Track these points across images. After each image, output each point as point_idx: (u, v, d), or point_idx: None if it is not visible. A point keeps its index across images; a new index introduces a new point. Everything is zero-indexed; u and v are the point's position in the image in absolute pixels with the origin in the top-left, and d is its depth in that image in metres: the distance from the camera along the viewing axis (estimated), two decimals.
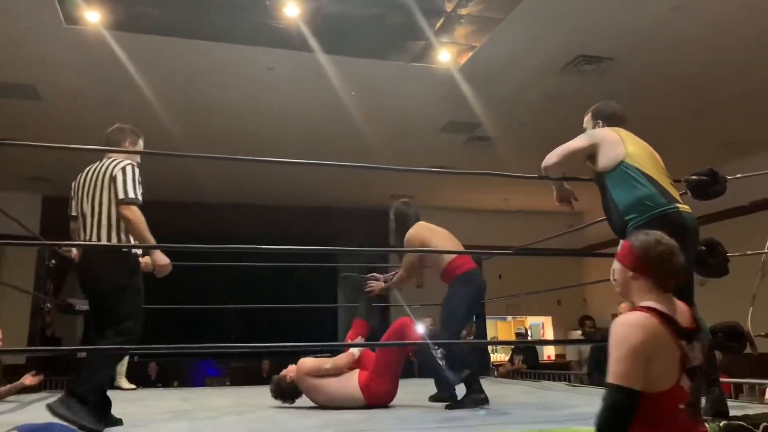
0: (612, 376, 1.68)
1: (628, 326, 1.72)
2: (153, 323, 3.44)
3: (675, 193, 2.75)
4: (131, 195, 2.96)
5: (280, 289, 9.25)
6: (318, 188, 9.78)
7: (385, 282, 4.37)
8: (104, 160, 3.17)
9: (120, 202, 2.95)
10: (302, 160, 3.50)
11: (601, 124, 3.04)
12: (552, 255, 10.96)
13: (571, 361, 10.74)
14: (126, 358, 6.30)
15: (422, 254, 4.08)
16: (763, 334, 3.48)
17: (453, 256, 3.96)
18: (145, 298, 3.11)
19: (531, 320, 12.31)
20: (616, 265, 1.91)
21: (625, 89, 6.47)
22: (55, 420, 2.55)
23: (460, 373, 3.58)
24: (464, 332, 4.72)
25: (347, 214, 10.82)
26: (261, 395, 4.22)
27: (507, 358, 9.84)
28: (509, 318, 12.21)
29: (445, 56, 5.97)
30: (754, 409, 2.97)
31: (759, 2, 5.03)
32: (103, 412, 2.97)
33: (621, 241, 2.98)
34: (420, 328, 4.22)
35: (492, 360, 9.24)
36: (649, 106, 6.78)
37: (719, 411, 2.55)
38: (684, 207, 2.69)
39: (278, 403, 3.89)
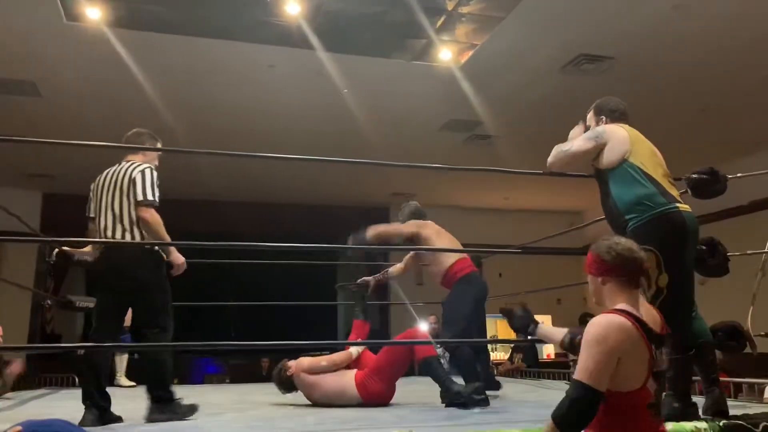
0: (581, 372, 1.73)
1: (602, 327, 1.76)
2: None
3: (675, 193, 2.75)
4: (149, 197, 3.08)
5: (280, 286, 9.26)
6: (318, 186, 9.79)
7: (376, 280, 4.44)
8: (123, 163, 3.25)
9: (138, 204, 3.06)
10: (302, 156, 3.50)
11: (604, 120, 3.02)
12: (552, 254, 10.95)
13: (571, 359, 10.74)
14: (126, 356, 6.31)
15: (420, 251, 4.10)
16: (762, 333, 3.49)
17: (453, 261, 3.98)
18: None
19: None
20: (588, 278, 1.96)
21: (626, 88, 6.46)
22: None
23: (472, 386, 3.54)
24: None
25: (347, 212, 10.81)
26: (261, 393, 4.23)
27: (507, 356, 9.85)
28: None
29: (446, 54, 5.97)
30: (753, 408, 2.97)
31: (760, 1, 5.03)
32: (102, 409, 2.98)
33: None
34: (424, 327, 4.24)
35: (491, 359, 9.24)
36: (649, 105, 6.77)
37: (719, 410, 2.56)
38: (684, 207, 2.69)
39: (277, 400, 3.90)
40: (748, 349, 3.02)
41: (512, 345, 10.20)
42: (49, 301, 5.50)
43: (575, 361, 1.91)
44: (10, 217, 4.16)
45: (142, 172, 3.13)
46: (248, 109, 7.08)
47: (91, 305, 5.28)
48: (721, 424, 2.43)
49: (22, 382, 5.80)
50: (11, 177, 8.98)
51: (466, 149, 8.32)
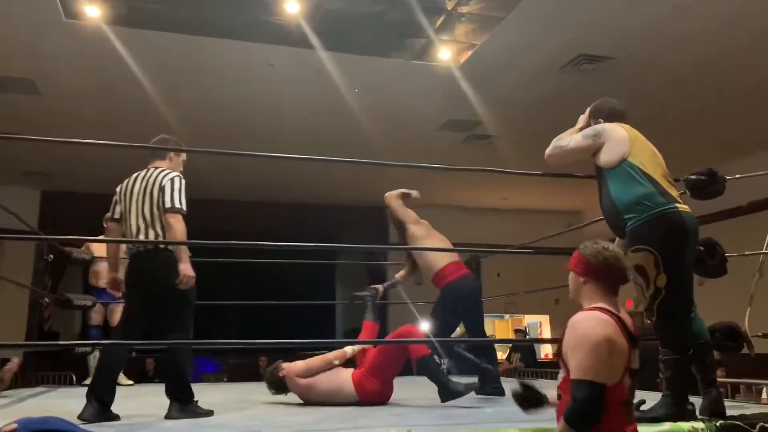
0: (581, 371, 1.79)
1: (592, 322, 1.85)
2: None
3: (675, 193, 2.75)
4: (177, 205, 3.17)
5: (279, 285, 9.26)
6: (317, 185, 9.79)
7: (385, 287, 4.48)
8: (151, 169, 3.34)
9: (167, 210, 3.16)
10: (300, 155, 3.50)
11: (601, 123, 3.00)
12: (550, 254, 10.94)
13: None
14: None
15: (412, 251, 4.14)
16: (760, 334, 3.49)
17: (442, 265, 4.08)
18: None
19: (529, 319, 12.33)
20: (570, 274, 2.04)
21: (625, 88, 6.46)
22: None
23: (471, 385, 3.56)
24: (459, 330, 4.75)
25: (346, 211, 10.82)
26: (258, 391, 4.22)
27: (505, 356, 9.86)
28: (507, 316, 12.23)
29: (445, 54, 5.97)
30: (750, 409, 2.98)
31: (759, 2, 5.03)
32: (104, 405, 3.03)
33: (616, 239, 3.00)
34: (424, 327, 4.24)
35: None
36: (648, 106, 6.78)
37: (716, 411, 2.56)
38: (683, 207, 2.69)
39: (275, 399, 3.90)
40: (745, 350, 3.02)
41: (510, 345, 10.21)
42: (47, 299, 5.49)
43: None
44: (8, 215, 4.15)
45: (171, 180, 3.23)
46: (247, 107, 7.08)
47: (89, 303, 5.31)
48: (718, 424, 2.43)
49: (20, 380, 5.80)
50: (10, 175, 8.97)
51: (465, 149, 8.32)
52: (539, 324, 12.29)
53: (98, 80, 6.34)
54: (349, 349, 3.86)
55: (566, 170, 3.44)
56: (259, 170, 8.88)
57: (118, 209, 3.35)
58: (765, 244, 3.82)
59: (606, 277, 1.94)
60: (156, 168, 3.34)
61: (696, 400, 2.64)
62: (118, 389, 3.16)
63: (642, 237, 2.62)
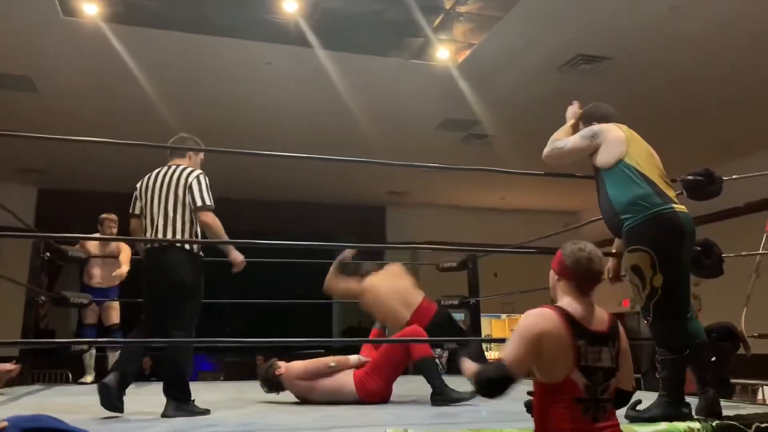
0: (504, 352, 1.91)
1: (529, 317, 1.93)
2: None
3: (672, 194, 2.75)
4: (208, 202, 3.26)
5: (276, 284, 9.25)
6: (314, 184, 9.78)
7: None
8: (173, 166, 3.39)
9: (198, 209, 3.24)
10: (298, 154, 3.53)
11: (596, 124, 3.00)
12: (548, 254, 10.95)
13: None
14: (118, 353, 6.28)
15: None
16: (756, 334, 3.50)
17: (417, 304, 4.05)
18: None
19: None
20: (551, 271, 2.11)
21: (623, 89, 6.48)
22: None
23: (463, 394, 3.55)
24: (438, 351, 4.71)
25: (343, 210, 10.81)
26: (255, 390, 4.21)
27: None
28: (503, 316, 12.23)
29: (443, 53, 5.97)
30: (746, 409, 2.98)
31: (757, 2, 5.04)
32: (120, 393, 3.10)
33: (615, 240, 3.01)
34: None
35: (487, 359, 9.25)
36: (646, 106, 6.79)
37: (712, 411, 2.56)
38: (680, 207, 2.69)
39: (271, 398, 3.89)
40: (741, 350, 3.03)
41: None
42: (43, 297, 5.47)
43: None
44: (5, 212, 4.14)
45: (198, 178, 3.31)
46: (245, 105, 7.07)
47: (85, 301, 5.29)
48: (714, 424, 2.44)
49: (16, 381, 5.78)
50: (6, 172, 8.96)
51: (463, 148, 8.33)
52: None
53: (96, 78, 6.33)
54: (354, 359, 3.83)
55: (564, 170, 3.44)
56: (256, 168, 8.87)
57: (138, 205, 3.40)
58: (762, 245, 3.83)
59: (576, 276, 1.98)
60: (177, 165, 3.39)
61: (691, 400, 2.65)
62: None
63: (638, 237, 2.63)
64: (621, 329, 2.00)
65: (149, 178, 3.40)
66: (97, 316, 5.64)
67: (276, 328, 6.46)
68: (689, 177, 3.19)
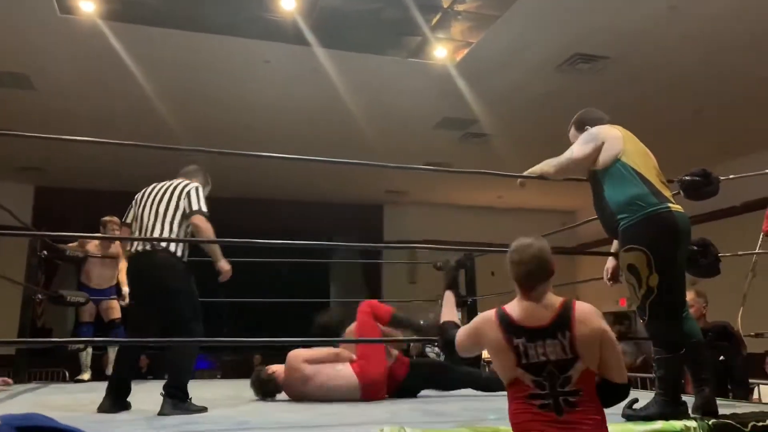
0: (458, 332, 2.15)
1: (476, 317, 2.08)
2: None
3: (668, 193, 2.76)
4: (203, 208, 3.36)
5: (273, 283, 9.24)
6: (312, 183, 9.78)
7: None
8: (175, 181, 3.50)
9: (193, 212, 3.32)
10: (295, 156, 3.54)
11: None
12: None
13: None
14: (116, 350, 6.28)
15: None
16: (752, 333, 3.51)
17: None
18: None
19: None
20: None
21: (621, 88, 6.49)
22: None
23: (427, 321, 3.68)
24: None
25: (341, 209, 10.81)
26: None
27: None
28: None
29: (441, 52, 5.97)
30: (743, 408, 2.99)
31: (755, 2, 5.05)
32: (117, 397, 3.17)
33: (614, 241, 3.01)
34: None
35: (484, 357, 9.25)
36: (644, 105, 6.80)
37: (708, 410, 2.57)
38: (676, 207, 2.69)
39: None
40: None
41: None
42: (40, 296, 5.47)
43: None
44: (2, 210, 4.13)
45: (196, 188, 3.43)
46: (243, 104, 7.07)
47: (82, 300, 5.29)
48: (710, 423, 2.44)
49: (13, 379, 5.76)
50: (3, 170, 8.94)
51: (461, 147, 8.33)
52: None
53: (93, 76, 6.32)
54: (347, 353, 3.93)
55: None
56: (252, 167, 8.87)
57: (131, 213, 3.47)
58: (758, 245, 3.84)
59: (512, 276, 2.00)
60: (180, 180, 3.51)
61: (688, 399, 2.65)
62: (105, 384, 3.23)
63: (634, 237, 2.63)
64: (577, 316, 1.86)
65: (146, 190, 3.48)
66: (94, 315, 5.63)
67: (273, 327, 6.45)
68: (686, 178, 3.19)
